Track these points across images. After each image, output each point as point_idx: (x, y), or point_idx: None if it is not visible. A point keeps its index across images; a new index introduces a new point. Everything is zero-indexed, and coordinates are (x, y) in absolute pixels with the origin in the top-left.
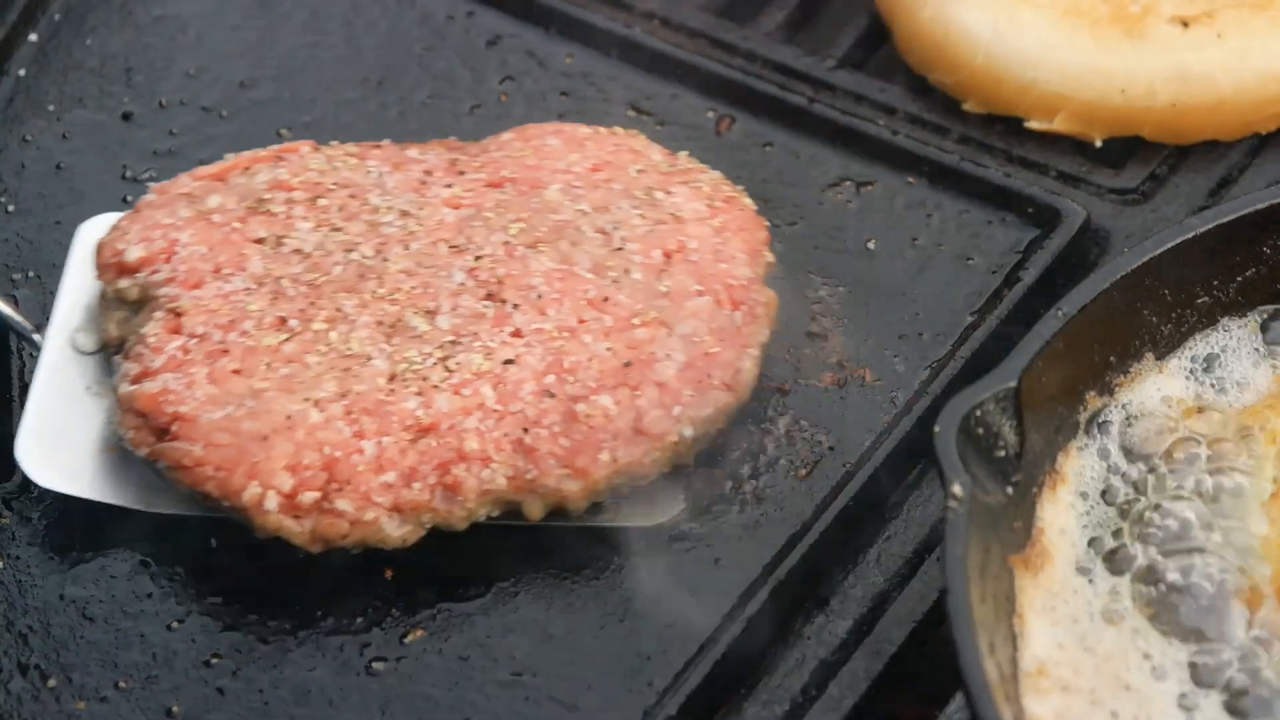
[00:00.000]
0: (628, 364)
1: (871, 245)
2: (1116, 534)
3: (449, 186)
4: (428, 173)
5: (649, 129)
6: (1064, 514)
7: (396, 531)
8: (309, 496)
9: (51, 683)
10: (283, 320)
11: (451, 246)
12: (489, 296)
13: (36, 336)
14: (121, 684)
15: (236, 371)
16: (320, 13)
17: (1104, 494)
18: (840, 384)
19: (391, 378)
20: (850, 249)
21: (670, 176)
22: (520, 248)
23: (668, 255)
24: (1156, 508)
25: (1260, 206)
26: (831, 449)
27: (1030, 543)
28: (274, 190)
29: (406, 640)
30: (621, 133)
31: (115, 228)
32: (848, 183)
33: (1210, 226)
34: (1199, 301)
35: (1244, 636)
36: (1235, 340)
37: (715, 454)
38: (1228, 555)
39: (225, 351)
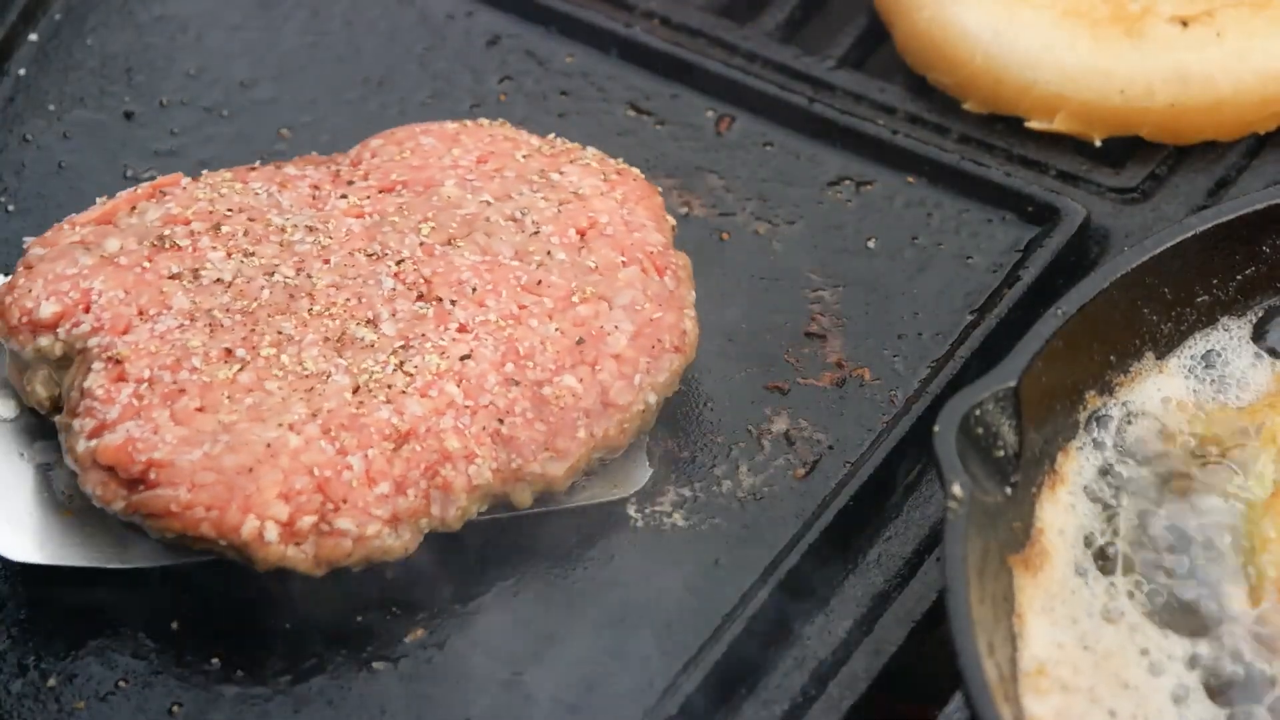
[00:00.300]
0: (580, 341)
1: (871, 245)
2: (1115, 533)
3: (344, 198)
4: (315, 187)
5: (649, 129)
6: (1063, 514)
7: (398, 542)
8: (307, 521)
9: (51, 682)
10: (229, 352)
11: (368, 255)
12: (421, 297)
13: None
14: (122, 684)
15: (200, 409)
16: (320, 13)
17: (1103, 494)
18: (839, 384)
19: (356, 390)
20: (850, 248)
21: (555, 157)
22: (438, 246)
23: (582, 233)
24: (1155, 507)
25: (1259, 206)
26: (831, 448)
27: (1029, 543)
28: (170, 225)
29: (406, 640)
30: (488, 123)
31: (12, 287)
32: (847, 182)
33: (1210, 226)
34: (1199, 300)
35: (1242, 635)
36: (1235, 339)
37: (716, 452)
38: (1226, 554)
39: (182, 391)
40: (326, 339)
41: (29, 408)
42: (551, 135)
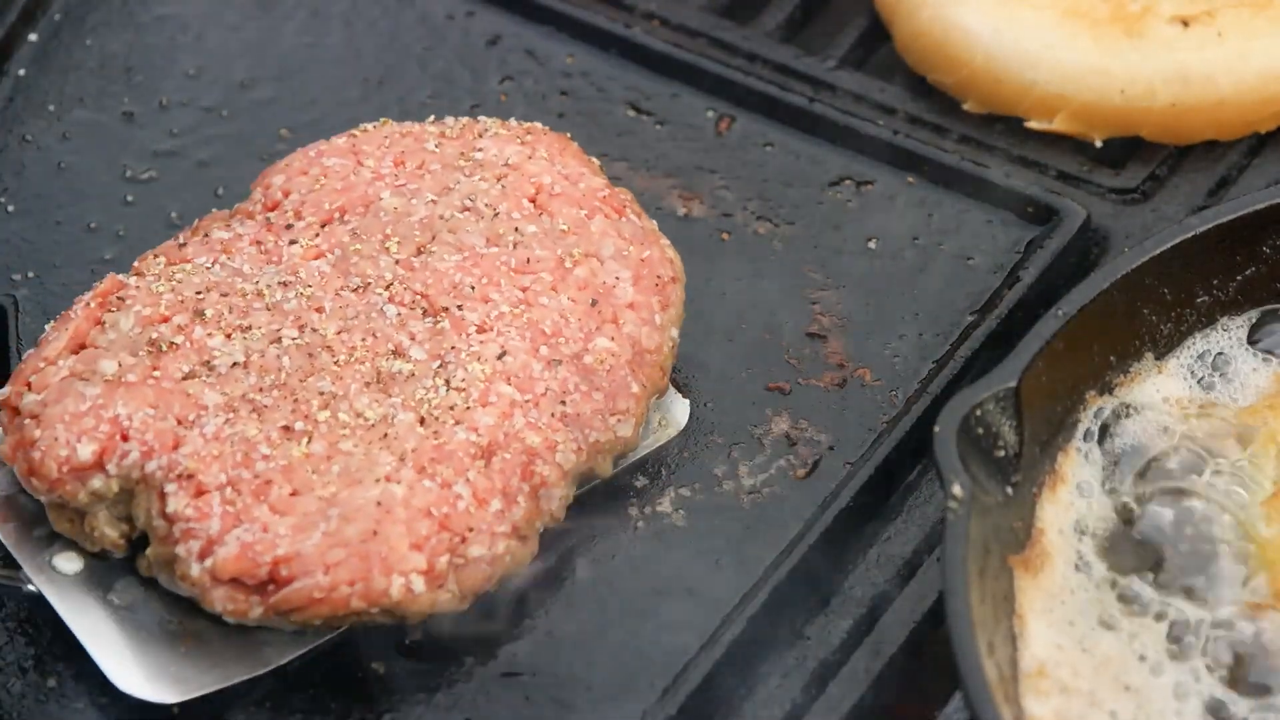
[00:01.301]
0: (594, 303)
1: (871, 245)
2: (1116, 535)
3: (294, 244)
4: (257, 243)
5: (649, 129)
6: (1063, 514)
7: (526, 551)
8: (443, 561)
9: (51, 683)
10: (288, 429)
11: (353, 290)
12: (427, 313)
13: (31, 588)
14: None
15: (294, 493)
16: (320, 13)
17: (1103, 495)
18: (840, 384)
19: (423, 421)
20: (850, 248)
21: (463, 136)
22: (413, 259)
23: (534, 200)
24: (1156, 508)
25: (1260, 206)
26: (831, 449)
27: (1030, 543)
28: (152, 327)
29: (406, 641)
30: (371, 126)
31: (32, 442)
32: (848, 182)
33: (1210, 226)
34: (1199, 301)
35: (1243, 636)
36: (1235, 340)
37: (716, 452)
38: (1227, 555)
39: (269, 482)
40: (368, 384)
41: (93, 555)
42: (431, 118)
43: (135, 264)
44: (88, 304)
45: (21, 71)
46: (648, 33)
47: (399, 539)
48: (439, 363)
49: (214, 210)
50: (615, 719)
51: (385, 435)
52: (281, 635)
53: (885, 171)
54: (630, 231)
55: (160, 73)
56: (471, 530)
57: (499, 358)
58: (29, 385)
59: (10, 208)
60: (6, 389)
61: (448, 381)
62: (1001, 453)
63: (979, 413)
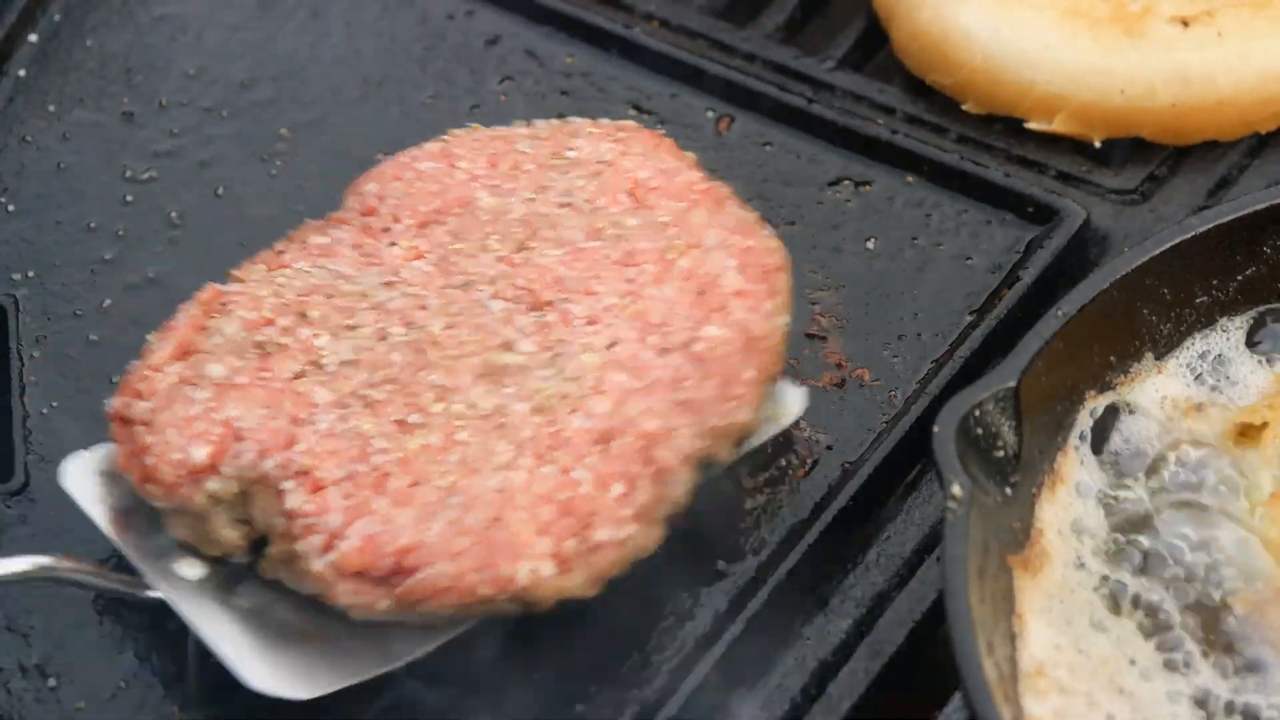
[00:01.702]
0: (701, 293)
1: (870, 245)
2: (1115, 535)
3: (393, 246)
4: (356, 246)
5: (649, 129)
6: (1063, 514)
7: (650, 537)
8: (570, 546)
9: (52, 682)
10: (402, 422)
11: (458, 287)
12: (533, 308)
13: (155, 594)
14: (123, 684)
15: (413, 484)
16: (320, 13)
17: (1103, 494)
18: (839, 384)
19: (539, 411)
20: (849, 249)
21: (555, 137)
22: (515, 255)
23: (632, 194)
24: (1155, 508)
25: (1260, 206)
26: (830, 449)
27: (1029, 543)
28: (255, 330)
29: None
30: (462, 131)
31: (146, 449)
32: (847, 182)
33: (1210, 226)
34: (1198, 301)
35: (1242, 637)
36: (1234, 340)
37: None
38: (1227, 556)
39: (386, 475)
40: (480, 377)
41: (213, 561)
42: (521, 121)
43: (234, 271)
44: (190, 312)
45: (21, 71)
46: (648, 33)
47: (522, 525)
48: (549, 354)
49: (219, 210)
50: (615, 719)
51: (501, 425)
52: (409, 630)
53: (884, 172)
54: (731, 222)
55: (160, 73)
56: (595, 515)
57: (609, 348)
58: (138, 394)
59: (10, 208)
60: (115, 400)
61: (560, 371)
62: (1001, 453)
63: (978, 413)
